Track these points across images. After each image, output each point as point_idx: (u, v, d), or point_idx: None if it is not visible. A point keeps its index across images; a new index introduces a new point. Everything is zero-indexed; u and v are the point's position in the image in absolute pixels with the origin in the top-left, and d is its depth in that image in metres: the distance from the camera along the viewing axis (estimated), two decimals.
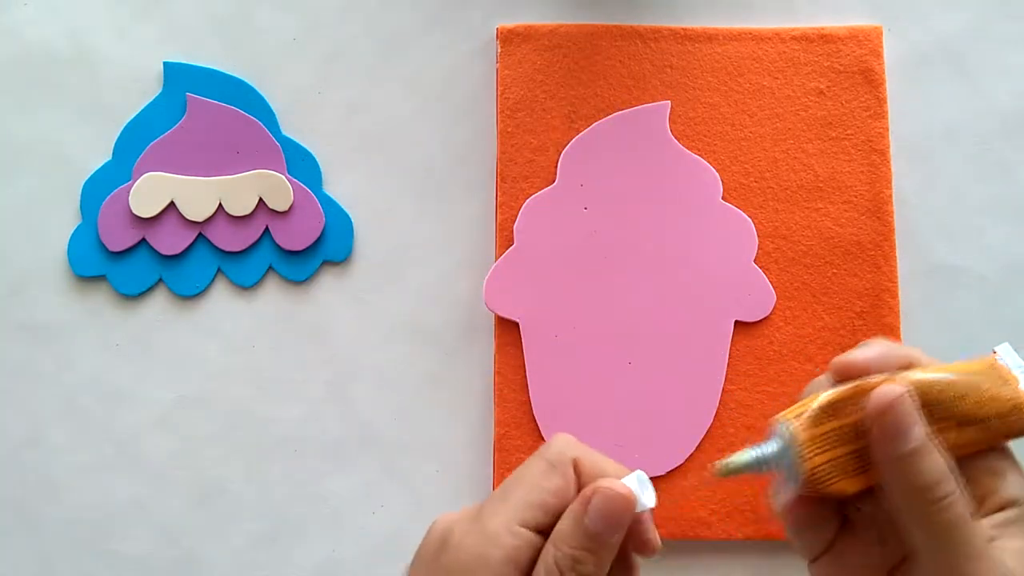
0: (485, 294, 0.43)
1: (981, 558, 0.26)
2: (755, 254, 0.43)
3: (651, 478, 0.41)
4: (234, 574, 0.42)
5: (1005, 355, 0.29)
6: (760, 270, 0.43)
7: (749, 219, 0.43)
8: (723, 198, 0.43)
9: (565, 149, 0.43)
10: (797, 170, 0.43)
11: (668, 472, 0.41)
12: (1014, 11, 0.45)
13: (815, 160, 0.43)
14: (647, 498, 0.30)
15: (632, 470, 0.33)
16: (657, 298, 0.42)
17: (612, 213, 0.43)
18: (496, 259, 0.43)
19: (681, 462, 0.41)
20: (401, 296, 0.44)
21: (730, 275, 0.42)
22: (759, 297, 0.42)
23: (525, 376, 0.42)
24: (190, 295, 0.44)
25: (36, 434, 0.43)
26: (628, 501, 0.28)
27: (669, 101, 0.44)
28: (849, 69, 0.44)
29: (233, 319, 0.44)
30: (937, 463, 0.27)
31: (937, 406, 0.28)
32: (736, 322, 0.42)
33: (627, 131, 0.43)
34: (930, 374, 0.28)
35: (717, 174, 0.43)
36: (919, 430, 0.26)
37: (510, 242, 0.43)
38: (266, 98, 0.45)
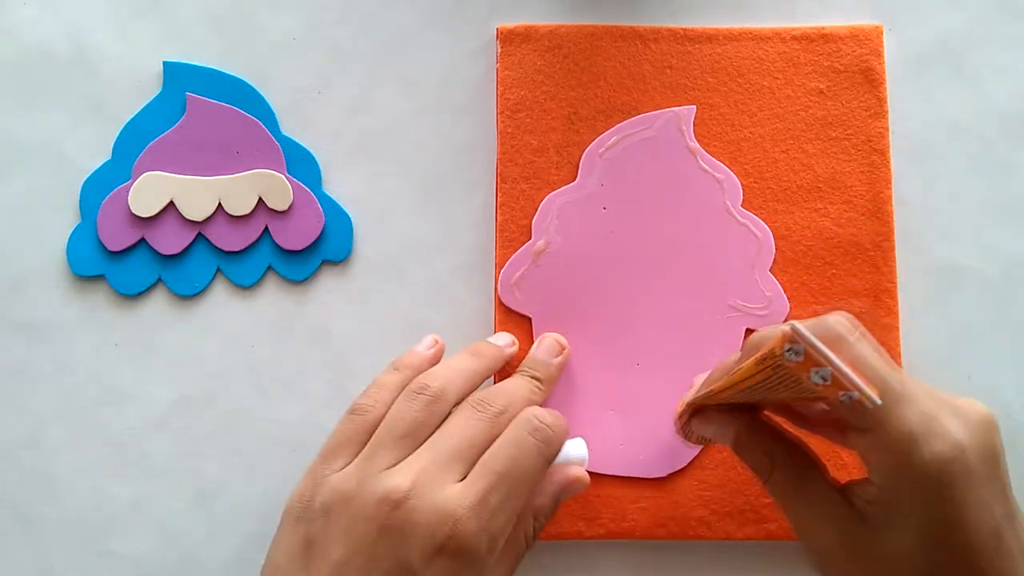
0: (499, 286, 0.43)
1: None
2: (771, 263, 0.43)
3: (654, 479, 0.42)
4: (234, 574, 0.42)
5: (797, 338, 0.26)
6: (776, 280, 0.42)
7: (768, 228, 0.43)
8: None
9: (587, 148, 0.43)
10: (797, 170, 0.43)
11: (671, 474, 0.41)
12: (1014, 11, 0.45)
13: (815, 160, 0.43)
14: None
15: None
16: (670, 302, 0.42)
17: (631, 214, 0.43)
18: (496, 260, 0.43)
19: (684, 464, 0.41)
20: (401, 296, 0.44)
21: (745, 284, 0.42)
22: (773, 307, 0.42)
23: None
24: (189, 295, 0.44)
25: (35, 434, 0.43)
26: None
27: (694, 106, 0.43)
28: (849, 69, 0.44)
29: (232, 319, 0.44)
30: None
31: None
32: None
33: (650, 133, 0.43)
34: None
35: (738, 181, 0.43)
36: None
37: (511, 242, 0.43)
38: (266, 98, 0.45)
